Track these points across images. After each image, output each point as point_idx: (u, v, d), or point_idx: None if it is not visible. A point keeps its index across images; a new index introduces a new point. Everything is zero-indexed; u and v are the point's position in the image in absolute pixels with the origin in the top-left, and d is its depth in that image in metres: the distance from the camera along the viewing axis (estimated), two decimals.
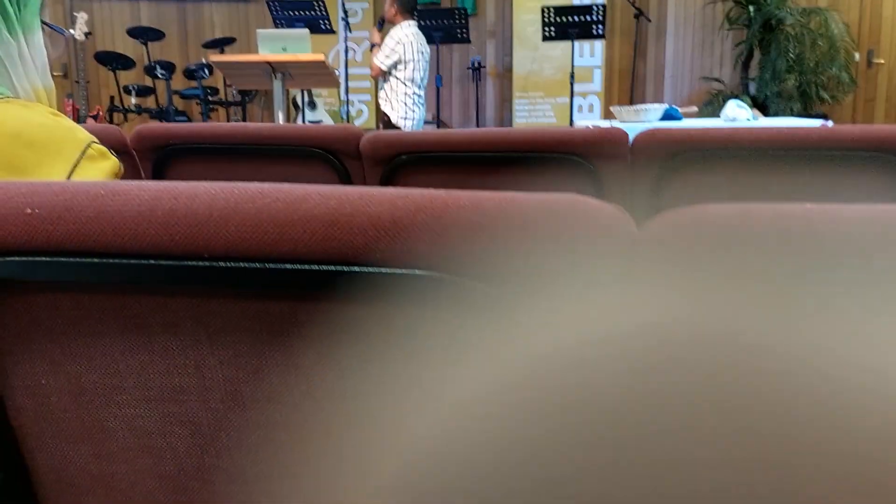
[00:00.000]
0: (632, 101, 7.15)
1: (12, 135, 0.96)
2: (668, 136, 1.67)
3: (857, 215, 0.50)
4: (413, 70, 5.01)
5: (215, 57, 4.71)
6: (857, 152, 1.55)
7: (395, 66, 5.01)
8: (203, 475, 0.67)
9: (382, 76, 5.09)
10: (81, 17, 6.33)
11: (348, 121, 7.28)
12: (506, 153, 1.82)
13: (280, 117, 4.67)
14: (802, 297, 0.20)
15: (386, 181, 1.95)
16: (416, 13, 5.21)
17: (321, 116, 7.29)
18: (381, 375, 0.60)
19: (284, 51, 4.57)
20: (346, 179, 2.00)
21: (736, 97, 6.63)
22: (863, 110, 7.38)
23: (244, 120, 7.35)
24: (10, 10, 1.06)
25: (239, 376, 0.62)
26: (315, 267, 0.57)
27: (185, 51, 7.81)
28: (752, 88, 7.08)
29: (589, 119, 7.27)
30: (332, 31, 6.34)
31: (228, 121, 7.50)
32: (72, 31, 6.43)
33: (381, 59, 4.99)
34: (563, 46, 6.96)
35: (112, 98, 6.99)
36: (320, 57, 4.45)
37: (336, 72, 5.76)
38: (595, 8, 5.96)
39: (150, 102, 7.09)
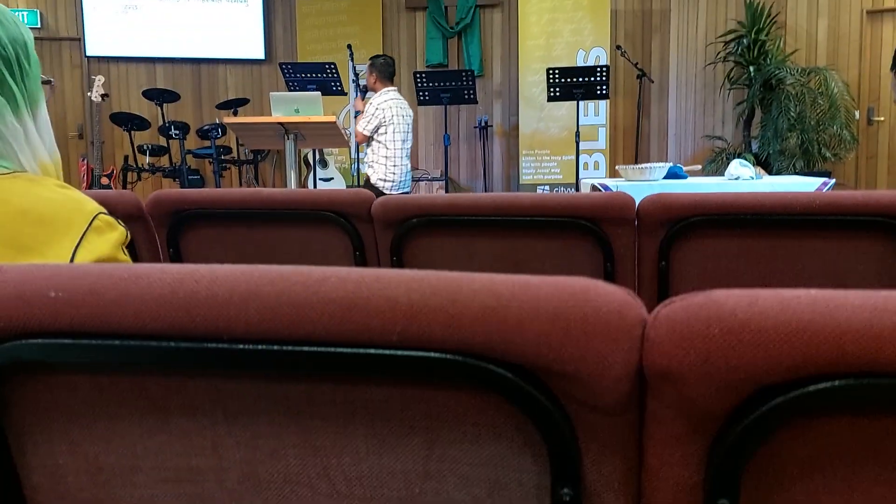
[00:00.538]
0: (636, 159, 7.23)
1: (19, 212, 0.96)
2: (674, 201, 1.70)
3: (862, 302, 0.51)
4: (394, 132, 5.32)
5: (229, 119, 4.80)
6: (860, 218, 1.56)
7: (376, 130, 5.31)
8: None
9: (366, 141, 5.38)
10: (98, 80, 6.49)
11: (359, 179, 7.36)
12: (514, 217, 1.84)
13: (292, 177, 4.75)
14: None
15: (397, 244, 1.97)
16: (393, 79, 5.50)
17: (332, 174, 7.39)
18: (398, 460, 0.61)
19: (297, 112, 4.67)
20: (358, 242, 2.03)
21: (739, 155, 6.71)
22: (865, 167, 7.44)
23: (256, 178, 7.46)
24: (16, 90, 1.07)
25: (256, 457, 0.63)
26: (332, 349, 0.58)
27: (199, 111, 7.98)
28: (755, 146, 7.15)
29: (595, 176, 7.34)
30: (343, 93, 6.47)
31: (241, 179, 7.61)
32: (89, 93, 6.58)
33: (364, 126, 5.33)
34: (568, 106, 7.08)
35: (126, 157, 7.11)
36: (332, 118, 4.54)
37: (346, 131, 5.87)
38: (599, 69, 6.08)
39: (163, 161, 7.21)
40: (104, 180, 6.57)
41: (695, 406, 0.55)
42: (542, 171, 7.63)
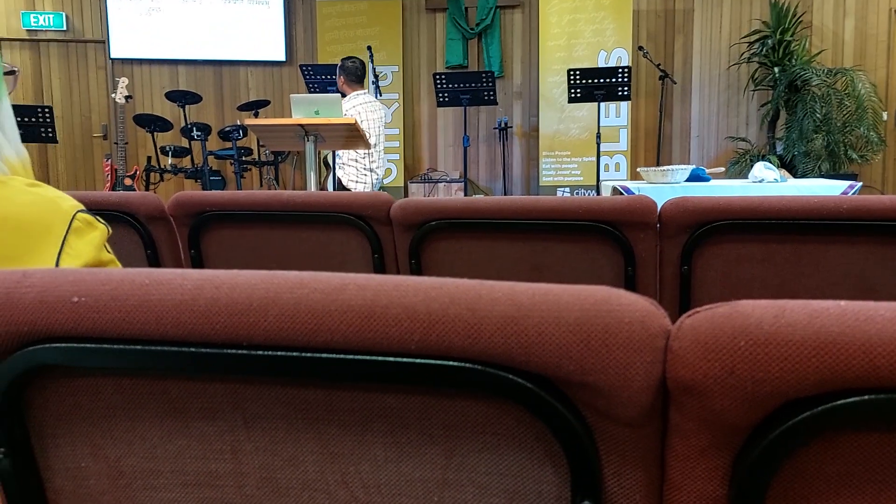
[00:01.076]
0: (658, 161, 7.18)
1: None
2: (696, 206, 1.68)
3: (893, 315, 0.50)
4: (366, 136, 5.29)
5: (250, 120, 4.83)
6: (889, 223, 1.54)
7: None
8: None
9: None
10: (122, 82, 6.56)
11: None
12: (534, 221, 1.83)
13: (312, 178, 4.76)
14: None
15: (415, 247, 1.97)
16: (363, 82, 5.51)
17: None
18: (416, 469, 0.60)
19: (317, 114, 4.68)
20: (377, 245, 2.03)
21: (763, 157, 6.64)
22: (893, 169, 7.33)
23: (276, 179, 7.50)
24: None
25: (275, 463, 0.63)
26: (351, 356, 0.58)
27: (221, 113, 8.04)
28: (779, 148, 7.08)
29: (615, 178, 7.30)
30: None
31: (261, 180, 7.65)
32: (113, 95, 6.65)
33: None
34: (589, 107, 7.04)
35: (149, 158, 7.18)
36: (351, 120, 4.54)
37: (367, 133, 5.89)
38: (620, 70, 6.04)
39: (185, 162, 7.27)
40: (127, 181, 6.64)
41: (719, 419, 0.54)
42: (563, 173, 7.60)
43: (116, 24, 7.77)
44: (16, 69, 1.12)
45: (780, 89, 6.90)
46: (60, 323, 0.61)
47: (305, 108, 4.77)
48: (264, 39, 7.97)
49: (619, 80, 6.03)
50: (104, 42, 7.83)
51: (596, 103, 6.21)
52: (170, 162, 7.05)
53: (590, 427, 0.58)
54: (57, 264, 0.93)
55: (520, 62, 7.95)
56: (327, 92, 6.00)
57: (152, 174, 7.00)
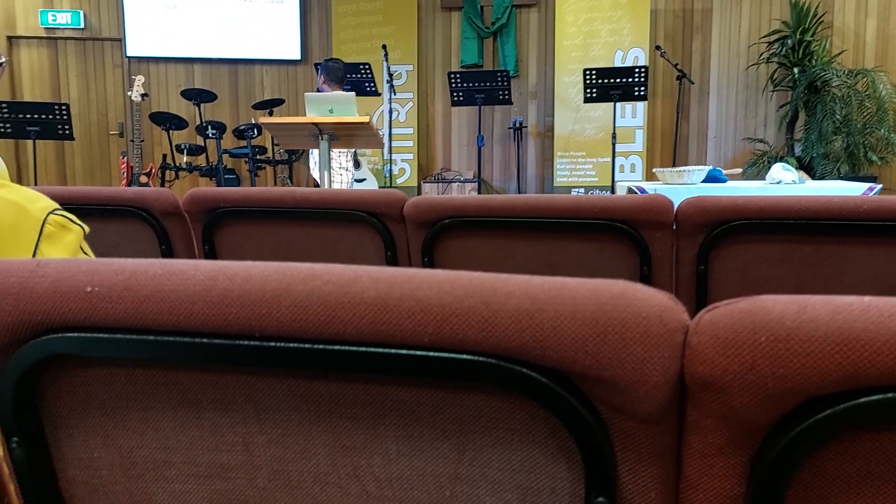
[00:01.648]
0: (674, 162, 7.13)
1: None
2: (713, 205, 1.66)
3: None
4: None
5: (264, 119, 4.84)
6: None
7: None
8: None
9: None
10: (138, 80, 6.60)
11: (391, 179, 7.39)
12: (549, 219, 1.82)
13: (325, 176, 4.77)
14: None
15: (429, 244, 1.96)
16: (342, 82, 5.52)
17: (365, 175, 7.42)
18: (429, 463, 0.60)
19: (331, 113, 4.69)
20: (390, 242, 2.03)
21: (781, 158, 6.58)
22: None
23: (290, 178, 7.52)
24: None
25: (286, 455, 0.63)
26: (363, 349, 0.58)
27: (236, 111, 8.07)
28: (798, 149, 7.01)
29: (631, 179, 7.27)
30: (377, 94, 6.49)
31: (275, 179, 7.67)
32: (129, 93, 6.69)
33: None
34: (604, 107, 7.01)
35: (165, 156, 7.22)
36: (365, 119, 4.55)
37: (380, 132, 5.89)
38: (637, 70, 6.01)
39: (200, 160, 7.30)
40: (143, 178, 6.68)
41: (738, 416, 0.53)
42: (578, 173, 7.57)
43: (133, 23, 7.82)
44: (3, 60, 1.09)
45: (799, 90, 6.83)
46: (74, 312, 0.61)
47: (319, 107, 4.78)
48: (280, 38, 7.99)
49: (636, 80, 5.99)
50: (121, 40, 7.88)
51: (612, 103, 6.17)
52: (185, 160, 7.08)
53: (605, 423, 0.57)
54: None
55: (535, 61, 7.93)
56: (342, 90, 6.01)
57: (167, 172, 7.04)
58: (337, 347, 0.58)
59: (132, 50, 7.86)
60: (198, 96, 7.06)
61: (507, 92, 6.41)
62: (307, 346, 0.58)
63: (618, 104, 6.27)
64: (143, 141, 6.83)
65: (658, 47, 7.03)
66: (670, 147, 7.37)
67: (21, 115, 5.64)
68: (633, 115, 7.40)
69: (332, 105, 4.82)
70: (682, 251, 1.75)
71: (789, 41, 7.01)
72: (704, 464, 0.57)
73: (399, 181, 7.90)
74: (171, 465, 0.64)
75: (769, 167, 4.57)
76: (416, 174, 7.95)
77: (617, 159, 6.64)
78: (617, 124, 6.35)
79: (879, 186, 3.97)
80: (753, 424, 0.54)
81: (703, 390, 0.54)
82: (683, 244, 1.74)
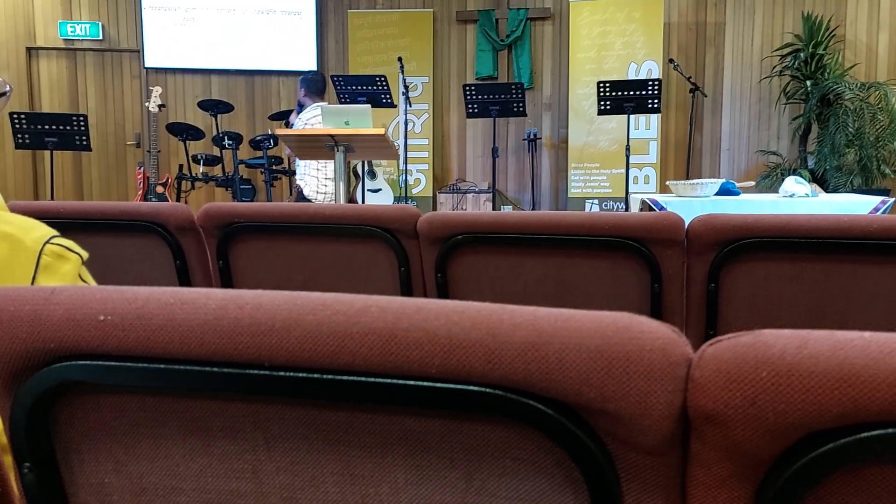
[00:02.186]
0: (688, 174, 7.12)
1: None
2: (724, 223, 1.66)
3: None
4: None
5: (280, 130, 4.88)
6: None
7: None
8: None
9: (298, 155, 5.42)
10: (156, 91, 6.67)
11: (406, 190, 7.41)
12: (561, 236, 1.83)
13: (341, 188, 4.79)
14: None
15: (441, 260, 1.97)
16: (322, 95, 5.61)
17: (381, 185, 7.46)
18: (437, 492, 0.60)
19: (347, 125, 4.72)
20: (404, 258, 2.04)
21: (794, 171, 6.55)
22: None
23: None
24: None
25: (295, 483, 0.63)
26: (372, 379, 0.58)
27: (252, 122, 8.14)
28: (811, 162, 6.98)
29: (645, 191, 7.25)
30: (393, 105, 6.52)
31: (291, 189, 7.72)
32: (147, 104, 6.77)
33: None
34: (618, 119, 7.01)
35: (181, 167, 7.28)
36: (381, 131, 4.57)
37: (396, 143, 5.92)
38: (651, 83, 6.01)
39: (216, 171, 7.36)
40: (159, 189, 6.74)
41: (740, 449, 0.54)
42: (592, 185, 7.57)
43: (151, 34, 7.91)
44: (7, 90, 1.07)
45: (811, 103, 6.81)
46: (87, 340, 0.62)
47: (335, 119, 4.81)
48: (296, 50, 8.06)
49: (649, 92, 5.99)
50: (139, 51, 7.97)
51: (625, 115, 6.18)
52: (201, 170, 7.14)
53: (610, 454, 0.58)
54: None
55: (549, 74, 7.95)
56: (357, 103, 6.05)
57: (184, 182, 7.10)
58: (346, 377, 0.59)
59: (150, 61, 7.95)
60: (214, 107, 7.13)
61: (521, 104, 6.42)
62: (316, 375, 0.59)
63: (632, 116, 6.27)
64: (159, 151, 6.90)
65: (671, 60, 7.03)
66: (684, 159, 7.36)
67: (39, 126, 5.71)
68: (646, 126, 7.40)
69: (347, 117, 4.85)
70: (693, 269, 1.75)
71: (802, 54, 6.99)
72: (709, 495, 0.57)
73: (414, 191, 7.93)
74: (180, 492, 0.66)
75: (782, 180, 4.55)
76: (431, 185, 7.98)
77: (631, 171, 6.63)
78: (631, 136, 6.35)
79: (892, 200, 3.95)
80: (756, 458, 0.54)
81: (706, 423, 0.54)
82: (694, 262, 1.74)
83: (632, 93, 6.02)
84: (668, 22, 7.53)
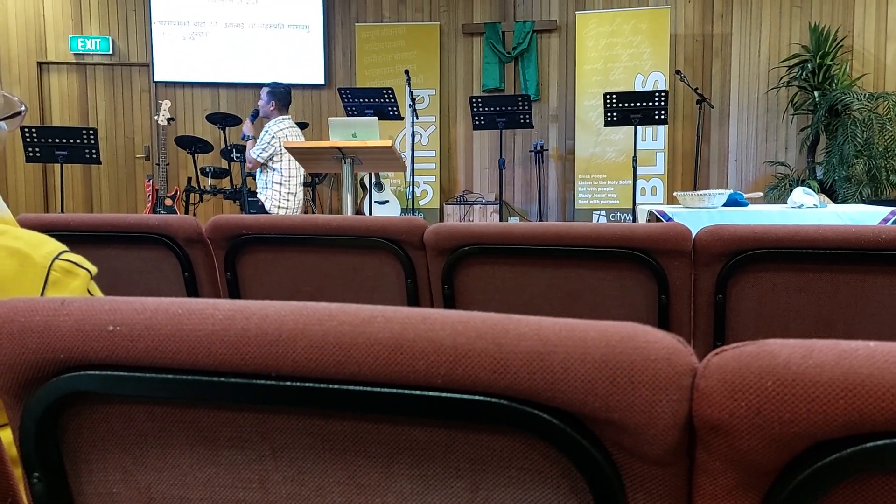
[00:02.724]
0: (695, 184, 7.11)
1: None
2: (731, 234, 1.66)
3: None
4: (289, 160, 5.42)
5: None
6: None
7: (270, 158, 5.41)
8: None
9: (260, 167, 5.48)
10: (165, 105, 6.72)
11: (413, 201, 7.43)
12: (568, 247, 1.83)
13: (348, 200, 4.81)
14: None
15: (448, 271, 1.98)
16: (288, 108, 5.62)
17: (388, 197, 7.47)
18: (443, 502, 0.60)
19: (354, 137, 4.74)
20: (410, 269, 2.04)
21: (803, 182, 6.54)
22: None
23: (314, 201, 7.58)
24: None
25: (302, 493, 0.64)
26: (378, 389, 0.59)
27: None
28: (819, 173, 6.96)
29: (652, 202, 7.25)
30: (399, 118, 6.55)
31: None
32: (156, 117, 6.81)
33: (259, 153, 5.40)
34: (625, 130, 7.02)
35: (189, 179, 7.32)
36: (388, 143, 4.59)
37: (403, 155, 5.94)
38: (657, 94, 6.02)
39: (224, 184, 7.39)
40: (168, 201, 6.77)
41: (746, 459, 0.54)
42: (599, 196, 7.57)
43: (160, 48, 7.97)
44: (23, 109, 1.08)
45: (820, 113, 6.80)
46: (96, 351, 0.63)
47: (343, 131, 4.83)
48: (304, 63, 8.11)
49: (656, 103, 6.00)
50: (148, 65, 8.04)
51: (632, 126, 6.18)
52: (209, 183, 7.18)
53: (616, 464, 0.58)
54: None
55: (556, 85, 7.97)
56: (365, 115, 6.07)
57: (192, 195, 7.13)
58: (352, 387, 0.59)
59: (159, 75, 8.01)
60: (223, 120, 7.17)
61: (528, 115, 6.44)
62: (322, 385, 0.60)
63: (638, 127, 6.28)
64: (168, 164, 6.94)
65: (678, 71, 7.04)
66: (691, 170, 7.35)
67: (50, 140, 5.75)
68: (653, 138, 7.40)
69: (355, 129, 4.88)
70: (700, 280, 1.75)
71: (809, 65, 6.99)
72: None
73: (421, 203, 7.95)
74: (188, 502, 0.66)
75: (791, 190, 4.54)
76: (438, 196, 7.99)
77: (638, 182, 6.64)
78: (638, 147, 6.35)
79: None
80: (762, 468, 0.54)
81: (712, 433, 0.54)
82: (701, 273, 1.74)
83: (638, 104, 6.02)
84: (674, 33, 7.54)
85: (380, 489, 0.62)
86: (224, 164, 7.37)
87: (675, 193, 4.76)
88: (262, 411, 0.63)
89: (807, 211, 4.18)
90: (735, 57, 7.58)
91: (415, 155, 7.02)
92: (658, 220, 4.25)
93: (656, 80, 7.35)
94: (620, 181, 7.41)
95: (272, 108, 5.51)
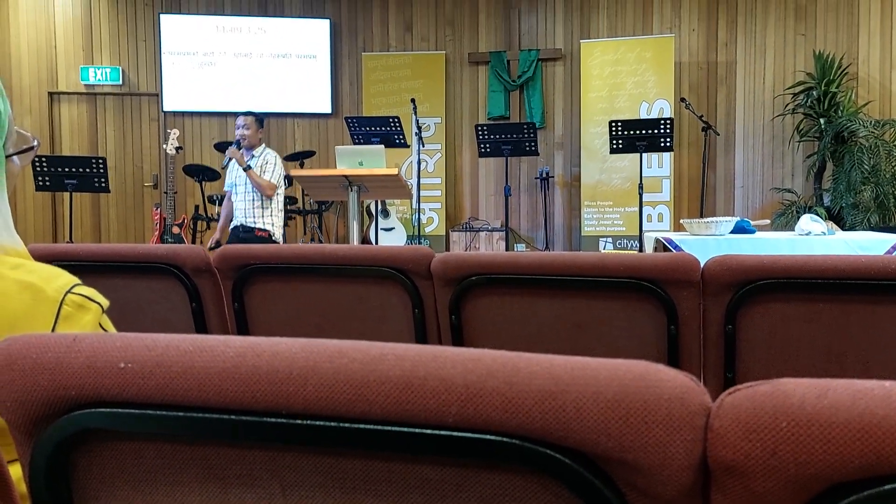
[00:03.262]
0: (702, 212, 7.11)
1: None
2: (740, 264, 1.66)
3: None
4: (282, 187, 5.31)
5: (296, 171, 4.95)
6: None
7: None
8: None
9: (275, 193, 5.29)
10: (173, 134, 6.77)
11: (419, 228, 7.44)
12: (576, 277, 1.82)
13: (354, 227, 4.83)
14: None
15: (456, 301, 1.97)
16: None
17: (394, 224, 7.49)
18: None
19: (361, 165, 4.77)
20: (417, 299, 2.04)
21: (810, 208, 6.53)
22: None
23: (320, 228, 7.61)
24: None
25: None
26: (389, 428, 0.58)
27: None
28: (827, 200, 6.96)
29: (658, 229, 7.24)
30: (406, 146, 6.59)
31: (305, 229, 7.77)
32: (164, 146, 6.87)
33: (277, 179, 5.17)
34: (631, 157, 7.04)
35: (196, 207, 7.36)
36: (394, 171, 4.62)
37: (409, 182, 5.96)
38: (662, 122, 6.04)
39: None
40: (175, 229, 6.80)
41: (762, 501, 0.53)
42: (605, 223, 7.57)
43: (170, 78, 8.06)
44: (35, 144, 1.07)
45: (826, 140, 6.81)
46: (107, 388, 0.63)
47: (350, 159, 4.87)
48: (311, 92, 8.18)
49: (662, 131, 6.02)
50: (157, 95, 8.12)
51: (638, 154, 6.20)
52: (217, 210, 7.21)
53: None
54: None
55: (561, 113, 8.01)
56: (371, 143, 6.11)
57: (199, 222, 7.17)
58: (363, 426, 0.59)
59: (168, 105, 8.09)
60: None
61: (533, 143, 6.47)
62: (333, 423, 0.59)
63: (644, 154, 6.29)
64: (176, 192, 6.98)
65: (683, 99, 7.07)
66: (697, 197, 7.36)
67: (59, 169, 5.81)
68: (659, 164, 7.42)
69: (362, 157, 4.91)
70: (709, 310, 1.74)
71: (814, 92, 7.02)
72: None
73: (427, 230, 7.96)
74: None
75: (798, 217, 4.54)
76: (444, 223, 8.01)
77: (644, 209, 6.64)
78: (644, 174, 6.37)
79: None
80: None
81: (727, 474, 0.54)
82: (710, 303, 1.73)
83: (644, 131, 6.05)
84: (678, 61, 7.59)
85: None
86: None
87: (681, 221, 4.76)
88: (272, 449, 0.63)
89: (815, 238, 4.17)
90: (740, 84, 7.62)
91: (421, 182, 7.05)
92: (665, 247, 4.25)
93: (661, 107, 7.39)
94: (626, 208, 7.41)
95: (260, 137, 5.46)
